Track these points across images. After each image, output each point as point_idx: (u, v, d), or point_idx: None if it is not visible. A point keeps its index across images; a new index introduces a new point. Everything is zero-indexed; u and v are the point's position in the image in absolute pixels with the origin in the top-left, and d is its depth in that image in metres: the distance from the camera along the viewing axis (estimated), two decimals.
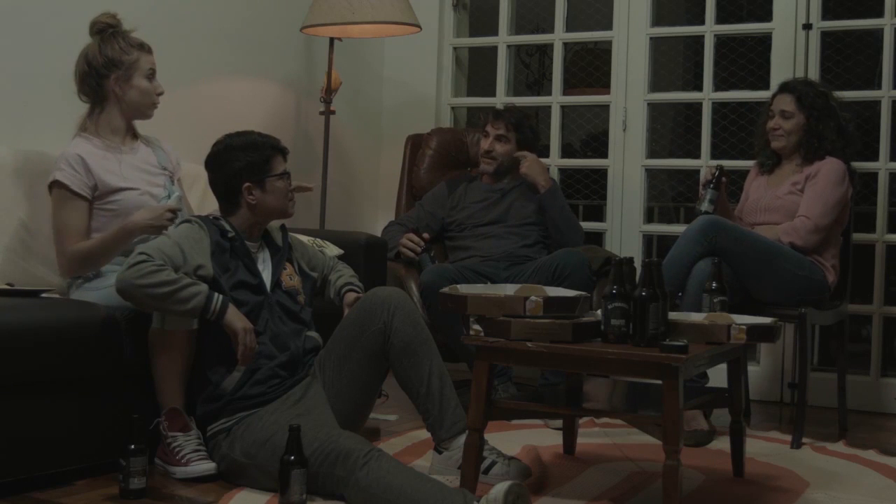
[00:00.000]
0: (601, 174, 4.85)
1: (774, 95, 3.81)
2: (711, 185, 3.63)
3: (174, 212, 2.94)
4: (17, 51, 3.38)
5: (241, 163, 2.88)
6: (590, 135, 5.61)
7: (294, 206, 3.01)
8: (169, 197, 3.08)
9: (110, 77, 3.09)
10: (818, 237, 3.59)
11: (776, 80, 4.11)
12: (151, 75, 3.14)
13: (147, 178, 3.13)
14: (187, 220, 2.86)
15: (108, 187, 3.04)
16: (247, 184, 2.88)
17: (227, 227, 2.88)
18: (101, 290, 2.91)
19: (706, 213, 3.59)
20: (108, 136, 3.13)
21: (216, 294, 2.73)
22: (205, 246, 2.81)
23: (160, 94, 3.17)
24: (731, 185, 3.79)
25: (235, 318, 2.74)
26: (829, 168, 3.65)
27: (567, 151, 5.11)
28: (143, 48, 3.14)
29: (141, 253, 2.70)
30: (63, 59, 3.49)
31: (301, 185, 3.25)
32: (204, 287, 2.72)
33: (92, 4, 3.56)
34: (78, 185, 3.00)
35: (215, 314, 2.71)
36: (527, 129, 4.13)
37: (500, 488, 2.25)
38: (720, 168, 3.66)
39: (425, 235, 4.02)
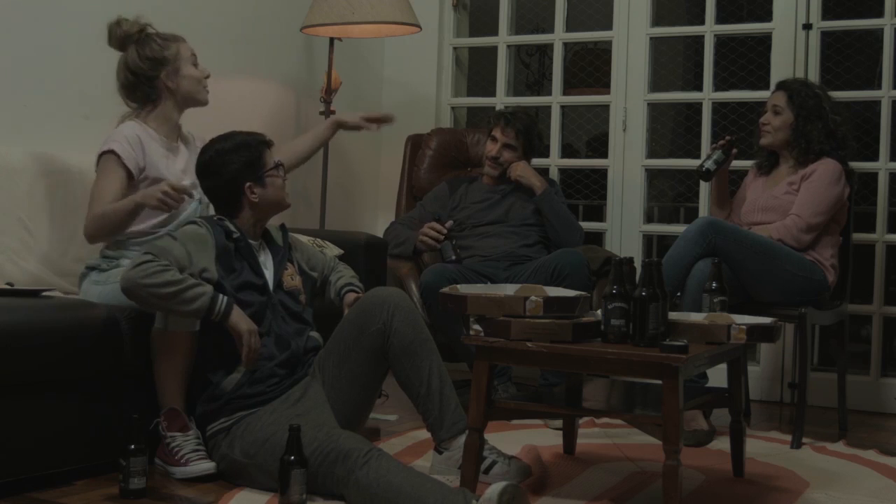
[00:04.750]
0: (601, 174, 4.85)
1: (773, 93, 3.82)
2: (722, 149, 3.77)
3: (180, 191, 2.88)
4: (18, 51, 3.38)
5: (237, 164, 2.88)
6: (590, 135, 5.61)
7: (289, 196, 3.01)
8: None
9: (160, 75, 3.14)
10: (809, 236, 3.59)
11: (776, 80, 4.10)
12: (195, 61, 3.19)
13: (181, 178, 3.13)
14: (193, 222, 2.85)
15: (156, 171, 3.07)
16: (248, 183, 2.88)
17: (232, 228, 2.88)
18: (109, 285, 2.91)
19: (707, 170, 3.76)
20: (160, 131, 3.16)
21: (221, 295, 2.72)
22: (209, 248, 2.80)
23: (207, 76, 3.22)
24: (731, 173, 3.94)
25: (240, 319, 2.73)
26: (824, 168, 3.65)
27: (567, 151, 5.11)
28: (178, 39, 3.19)
29: (147, 253, 2.70)
30: (64, 60, 3.50)
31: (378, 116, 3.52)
32: (209, 288, 2.72)
33: (93, 5, 3.57)
34: (129, 160, 3.03)
35: (220, 315, 2.71)
36: (534, 137, 4.14)
37: (495, 489, 2.24)
38: (732, 140, 3.79)
39: (448, 223, 4.01)
